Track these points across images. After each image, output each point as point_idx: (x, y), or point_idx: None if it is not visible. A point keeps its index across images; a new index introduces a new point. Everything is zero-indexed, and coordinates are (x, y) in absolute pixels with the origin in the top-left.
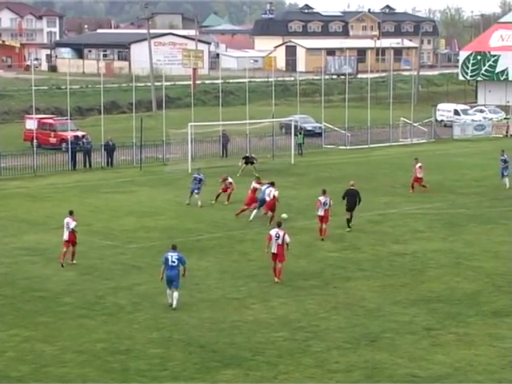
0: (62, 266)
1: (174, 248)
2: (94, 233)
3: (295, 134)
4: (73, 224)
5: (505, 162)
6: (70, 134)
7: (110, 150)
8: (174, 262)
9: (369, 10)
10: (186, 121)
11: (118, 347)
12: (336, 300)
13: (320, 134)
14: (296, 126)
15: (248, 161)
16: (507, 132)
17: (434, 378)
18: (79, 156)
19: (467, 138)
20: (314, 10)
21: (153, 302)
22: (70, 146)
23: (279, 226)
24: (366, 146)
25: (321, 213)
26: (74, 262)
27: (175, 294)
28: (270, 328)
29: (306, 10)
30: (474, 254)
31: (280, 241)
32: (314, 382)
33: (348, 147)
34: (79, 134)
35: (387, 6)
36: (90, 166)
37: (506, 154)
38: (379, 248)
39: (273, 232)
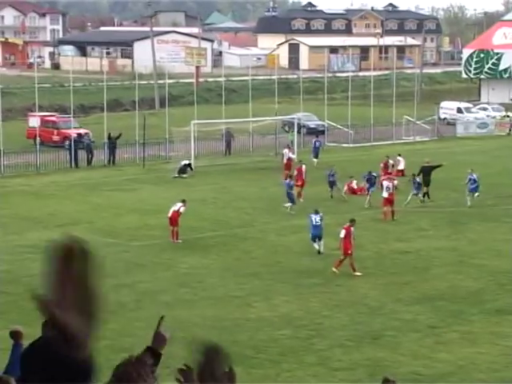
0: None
1: (316, 212)
2: (97, 230)
3: (286, 131)
4: (182, 208)
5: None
6: (72, 132)
7: (112, 146)
8: (317, 222)
9: (372, 7)
10: (188, 119)
11: (121, 345)
12: (339, 298)
13: (323, 132)
14: (292, 123)
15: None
16: (510, 130)
17: (437, 376)
18: (82, 154)
19: (470, 136)
20: (317, 8)
21: (155, 300)
22: (72, 143)
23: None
24: (369, 144)
25: (385, 195)
26: (179, 241)
27: (321, 242)
28: (272, 326)
29: (309, 8)
30: (477, 252)
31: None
32: (317, 379)
33: (351, 145)
34: (82, 131)
35: (390, 4)
36: (91, 163)
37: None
38: (382, 246)
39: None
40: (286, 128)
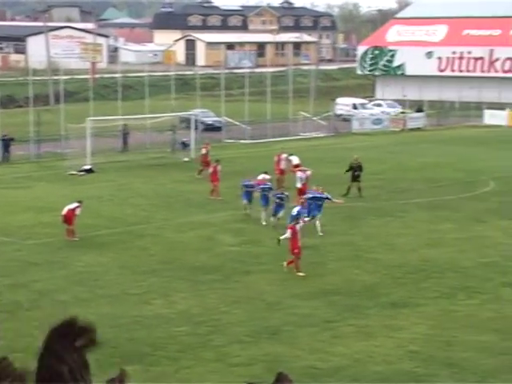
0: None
1: None
2: None
3: (171, 130)
4: (78, 210)
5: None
6: None
7: (6, 144)
8: None
9: (268, 4)
10: (84, 115)
11: (17, 345)
12: (237, 294)
13: (220, 129)
14: (188, 120)
15: None
16: (404, 126)
17: (333, 370)
18: None
19: (365, 131)
20: (213, 4)
21: (51, 299)
22: None
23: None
24: (266, 140)
25: (298, 185)
26: (75, 239)
27: None
28: (170, 323)
29: (206, 4)
30: (372, 246)
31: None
32: (216, 376)
33: (248, 141)
34: None
35: (286, 1)
36: None
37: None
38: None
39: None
40: (184, 124)
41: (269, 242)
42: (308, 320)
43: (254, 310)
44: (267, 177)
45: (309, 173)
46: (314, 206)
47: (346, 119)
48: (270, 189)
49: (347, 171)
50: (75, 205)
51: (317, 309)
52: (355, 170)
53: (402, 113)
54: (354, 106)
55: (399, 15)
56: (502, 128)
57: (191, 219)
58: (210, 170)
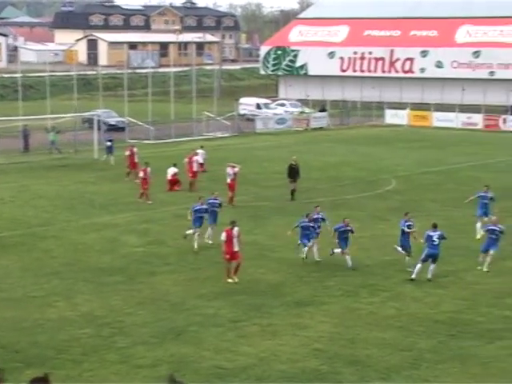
0: None
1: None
2: None
3: (48, 131)
4: None
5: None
6: None
7: None
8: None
9: (170, 4)
10: None
11: None
12: (141, 295)
13: (123, 129)
14: (91, 121)
15: None
16: (307, 126)
17: (239, 369)
18: None
19: (269, 131)
20: (115, 4)
21: None
22: None
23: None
24: (171, 140)
25: (228, 181)
26: None
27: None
28: (74, 325)
29: (107, 4)
30: (277, 245)
31: None
32: (119, 377)
33: (152, 141)
34: None
35: (189, 1)
36: None
37: None
38: (184, 242)
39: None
40: (86, 125)
41: (173, 242)
42: (213, 320)
43: (159, 311)
44: (176, 170)
45: (237, 169)
46: (342, 238)
47: (250, 119)
48: (220, 205)
49: (289, 175)
50: None
51: (222, 309)
52: (295, 171)
53: (302, 112)
54: (258, 106)
55: (301, 16)
56: (403, 127)
57: (95, 220)
58: (141, 173)
